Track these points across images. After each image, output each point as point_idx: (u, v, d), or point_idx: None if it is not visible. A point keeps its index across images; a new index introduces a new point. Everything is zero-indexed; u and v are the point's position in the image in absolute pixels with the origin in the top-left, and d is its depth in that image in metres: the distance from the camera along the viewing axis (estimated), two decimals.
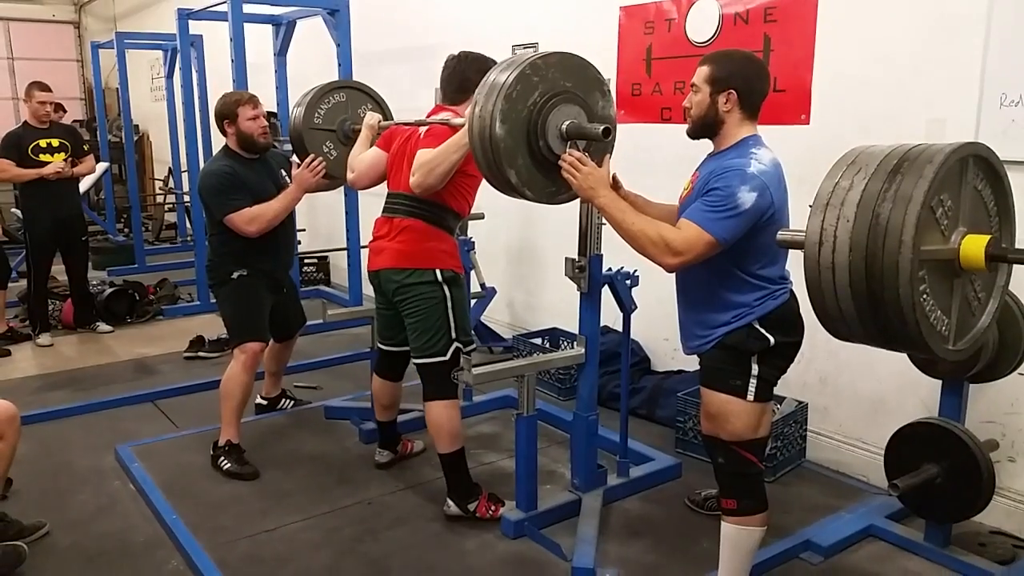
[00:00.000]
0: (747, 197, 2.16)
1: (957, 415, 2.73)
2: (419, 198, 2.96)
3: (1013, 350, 2.63)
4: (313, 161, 3.63)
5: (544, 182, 2.45)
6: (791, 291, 2.36)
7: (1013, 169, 2.03)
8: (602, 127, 2.34)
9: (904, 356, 2.76)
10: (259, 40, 6.12)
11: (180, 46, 6.57)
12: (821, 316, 1.89)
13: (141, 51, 9.32)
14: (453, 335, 3.02)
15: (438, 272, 3.00)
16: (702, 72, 2.34)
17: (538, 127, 2.38)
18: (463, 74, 2.99)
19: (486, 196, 3.24)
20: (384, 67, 6.10)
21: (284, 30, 5.87)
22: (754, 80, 2.32)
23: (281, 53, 5.93)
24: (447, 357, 3.01)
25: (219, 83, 6.69)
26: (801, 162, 3.35)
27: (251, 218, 3.51)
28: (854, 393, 3.46)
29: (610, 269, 3.13)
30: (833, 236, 1.78)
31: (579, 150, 2.41)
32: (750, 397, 2.32)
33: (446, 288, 3.01)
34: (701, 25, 3.84)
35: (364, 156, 3.23)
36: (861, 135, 2.23)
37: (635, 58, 4.18)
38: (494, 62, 2.89)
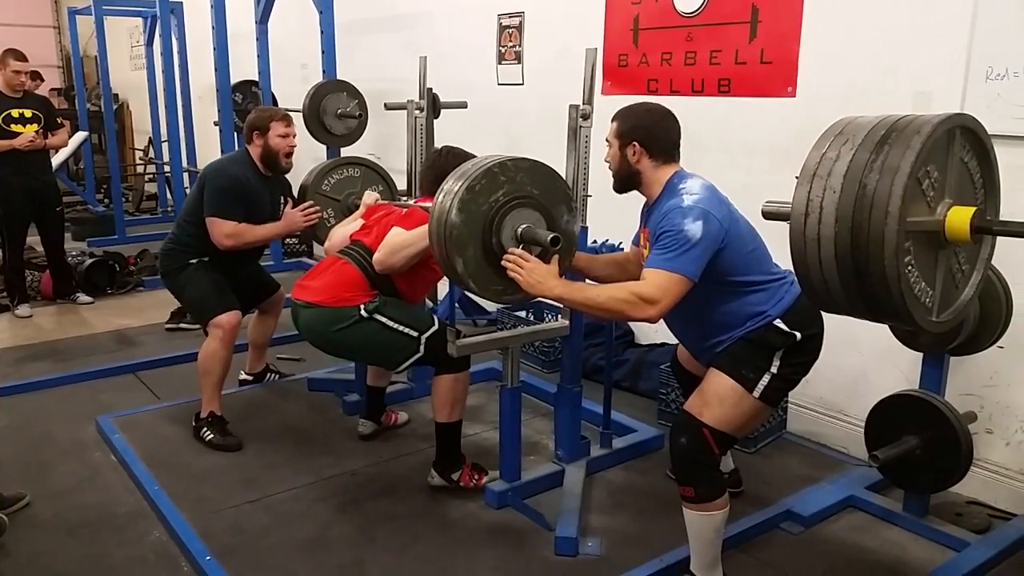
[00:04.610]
0: (694, 227, 2.23)
1: (937, 387, 2.75)
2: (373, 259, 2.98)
3: (994, 323, 2.65)
4: (309, 208, 3.71)
5: (492, 278, 2.46)
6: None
7: (998, 142, 2.03)
8: (551, 235, 2.37)
9: (885, 329, 2.78)
10: (240, 7, 6.02)
11: (160, 13, 6.47)
12: (806, 287, 1.90)
13: (120, 18, 9.16)
14: (414, 335, 2.96)
15: (361, 308, 2.94)
16: (611, 128, 2.49)
17: (494, 224, 2.41)
18: (443, 168, 3.00)
19: None
20: (367, 35, 6.03)
21: None
22: (655, 129, 2.44)
23: (262, 21, 5.84)
24: (422, 352, 2.98)
25: (200, 52, 6.61)
26: (787, 134, 3.36)
27: (232, 233, 3.52)
28: (835, 365, 3.47)
29: (595, 242, 3.12)
30: (819, 207, 1.78)
31: (533, 256, 2.44)
32: (755, 393, 2.34)
33: (376, 317, 2.94)
34: None
35: (344, 230, 3.31)
36: (847, 107, 2.21)
37: (622, 28, 4.14)
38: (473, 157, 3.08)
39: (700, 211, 2.25)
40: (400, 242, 2.92)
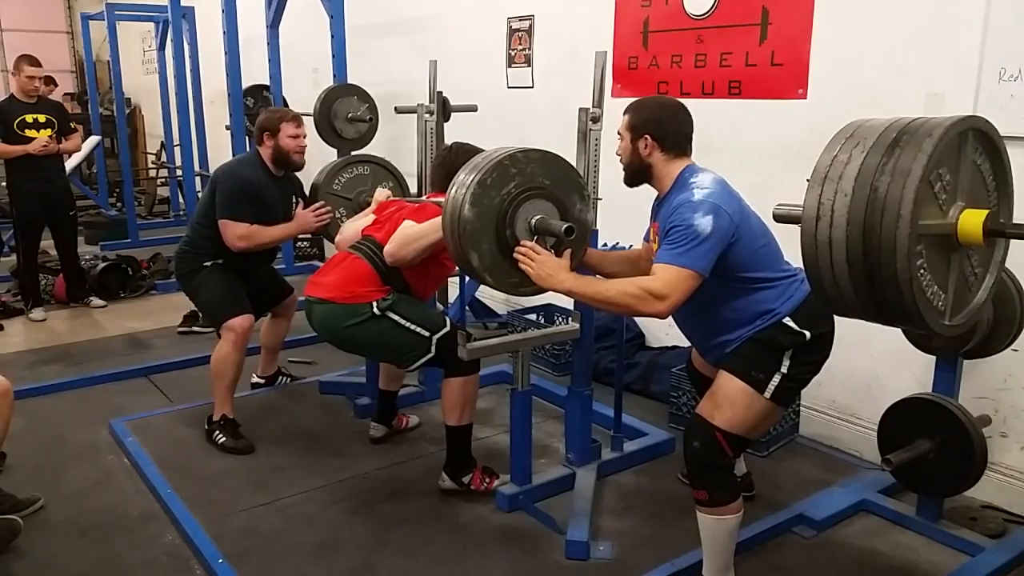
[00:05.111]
0: (704, 222, 2.21)
1: (951, 391, 2.74)
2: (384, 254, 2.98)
3: (1008, 326, 2.63)
4: (321, 208, 3.72)
5: (508, 271, 2.47)
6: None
7: (1011, 144, 2.01)
8: (565, 225, 2.37)
9: (898, 332, 2.76)
10: (251, 12, 6.05)
11: (172, 18, 6.50)
12: (818, 291, 1.89)
13: (132, 23, 9.21)
14: (426, 334, 2.97)
15: (374, 305, 2.94)
16: (623, 121, 2.47)
17: (507, 217, 2.41)
18: (453, 163, 3.00)
19: None
20: (378, 39, 6.05)
21: (276, 1, 5.79)
22: (667, 123, 2.41)
23: (273, 25, 5.86)
24: (433, 353, 2.98)
25: (211, 56, 6.64)
26: (798, 136, 3.34)
27: (244, 235, 3.53)
28: (847, 368, 3.46)
29: (605, 245, 3.12)
30: (831, 210, 1.76)
31: (547, 247, 2.43)
32: (766, 394, 2.31)
33: (388, 315, 2.94)
34: None
35: (356, 225, 3.31)
36: (858, 109, 2.20)
37: (632, 31, 4.14)
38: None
39: (711, 205, 2.23)
40: (411, 234, 2.93)
